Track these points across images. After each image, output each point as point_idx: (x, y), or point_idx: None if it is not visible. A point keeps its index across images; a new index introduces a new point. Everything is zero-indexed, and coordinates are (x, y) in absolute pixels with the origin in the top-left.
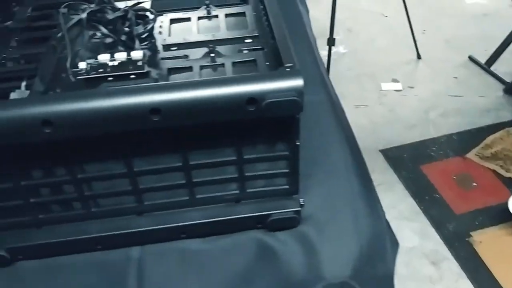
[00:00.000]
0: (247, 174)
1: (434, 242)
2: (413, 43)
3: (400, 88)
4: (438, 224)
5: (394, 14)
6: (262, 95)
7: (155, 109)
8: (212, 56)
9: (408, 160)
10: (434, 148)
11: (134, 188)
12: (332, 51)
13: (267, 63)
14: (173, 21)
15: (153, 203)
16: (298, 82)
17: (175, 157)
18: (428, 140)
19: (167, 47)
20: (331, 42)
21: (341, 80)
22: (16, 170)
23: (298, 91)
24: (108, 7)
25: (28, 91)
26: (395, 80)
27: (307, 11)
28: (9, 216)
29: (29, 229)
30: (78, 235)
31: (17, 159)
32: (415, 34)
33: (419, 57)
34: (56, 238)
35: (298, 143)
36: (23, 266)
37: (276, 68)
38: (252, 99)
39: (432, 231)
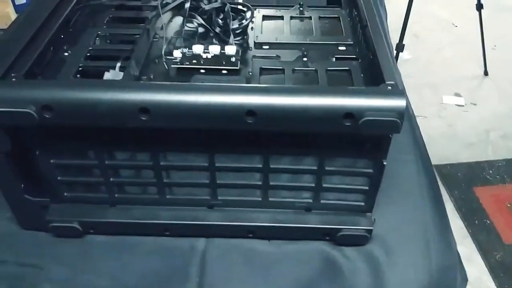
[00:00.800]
0: (325, 185)
1: (479, 270)
2: (481, 58)
3: (462, 104)
4: (485, 251)
5: (465, 25)
6: (361, 112)
7: (251, 111)
8: (305, 61)
9: (461, 180)
10: (490, 171)
11: (211, 182)
12: None
13: (362, 75)
14: (265, 17)
15: (226, 198)
16: (400, 103)
17: (256, 158)
18: (485, 162)
19: (259, 45)
20: (400, 48)
21: None
22: (103, 149)
23: (399, 112)
24: None
25: (122, 73)
26: (457, 94)
27: (386, 16)
28: (87, 191)
29: (104, 206)
30: (149, 219)
31: (106, 139)
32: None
33: (486, 73)
34: (128, 219)
35: (385, 163)
36: (93, 240)
37: (374, 83)
38: (350, 114)
39: (478, 258)
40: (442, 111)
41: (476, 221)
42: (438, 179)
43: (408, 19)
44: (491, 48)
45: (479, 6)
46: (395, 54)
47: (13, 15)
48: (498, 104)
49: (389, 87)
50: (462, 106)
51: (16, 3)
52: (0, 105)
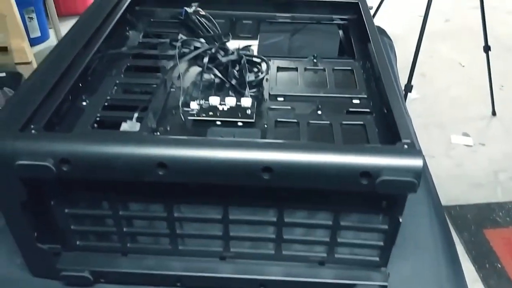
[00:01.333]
0: (339, 240)
1: None
2: (489, 98)
3: (471, 144)
4: None
5: (472, 65)
6: (378, 171)
7: (267, 167)
8: (319, 114)
9: (471, 222)
10: (500, 214)
11: (224, 234)
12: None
13: (377, 130)
14: (279, 69)
15: (239, 251)
16: (417, 163)
17: (270, 211)
18: (495, 203)
19: (273, 97)
20: (408, 88)
21: None
22: (117, 200)
23: (416, 172)
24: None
25: (138, 124)
26: (465, 134)
27: (396, 61)
28: (99, 240)
29: (115, 255)
30: (161, 270)
31: (120, 190)
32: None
33: (494, 113)
34: (139, 269)
35: (400, 220)
36: None
37: (389, 139)
38: (366, 173)
39: None
40: (450, 151)
41: (487, 265)
42: (447, 220)
43: (416, 61)
44: (498, 88)
45: (487, 48)
46: (403, 94)
47: (28, 49)
48: (507, 145)
49: (406, 146)
50: (471, 146)
51: (31, 36)
52: (20, 158)
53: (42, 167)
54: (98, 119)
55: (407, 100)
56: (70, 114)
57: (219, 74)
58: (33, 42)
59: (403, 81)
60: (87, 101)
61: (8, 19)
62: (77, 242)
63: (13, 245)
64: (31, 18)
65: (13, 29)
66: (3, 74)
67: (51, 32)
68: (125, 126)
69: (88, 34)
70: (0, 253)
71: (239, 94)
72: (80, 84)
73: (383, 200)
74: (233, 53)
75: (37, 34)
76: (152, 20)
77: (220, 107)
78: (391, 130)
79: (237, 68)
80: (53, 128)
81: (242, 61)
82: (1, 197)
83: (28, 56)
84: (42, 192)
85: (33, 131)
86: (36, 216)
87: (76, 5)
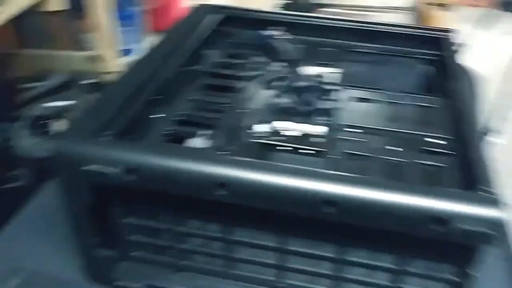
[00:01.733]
0: (403, 286)
1: None
2: None
3: None
4: None
5: None
6: (451, 218)
7: (332, 201)
8: (393, 150)
9: None
10: None
11: (279, 263)
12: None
13: (454, 173)
14: (355, 99)
15: (292, 283)
16: (495, 213)
17: (330, 246)
18: None
19: (346, 127)
20: (490, 131)
21: None
22: (176, 215)
23: (494, 223)
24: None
25: (206, 141)
26: None
27: (481, 100)
28: (154, 253)
29: (168, 270)
30: None
31: (180, 205)
32: None
33: None
34: (189, 287)
35: (475, 274)
36: None
37: (468, 185)
38: (438, 218)
39: None
40: None
41: None
42: None
43: (503, 104)
44: None
45: None
46: (485, 137)
47: (119, 60)
48: None
49: (486, 194)
50: None
51: (123, 48)
52: (90, 163)
53: (110, 174)
54: (168, 133)
55: (490, 145)
56: (143, 125)
57: (291, 99)
58: (125, 53)
59: (486, 123)
60: (160, 114)
61: (102, 30)
62: (133, 253)
63: (74, 249)
64: (125, 31)
65: (106, 40)
66: (93, 81)
67: (143, 45)
68: (193, 142)
69: (169, 50)
70: (61, 255)
71: (309, 121)
72: (156, 97)
73: (455, 249)
74: (308, 79)
75: (129, 46)
76: (231, 41)
77: (289, 133)
78: (469, 175)
79: (311, 94)
80: (125, 138)
81: (316, 88)
82: (69, 200)
83: (118, 66)
84: (106, 199)
85: (104, 138)
86: (98, 222)
87: (169, 21)
